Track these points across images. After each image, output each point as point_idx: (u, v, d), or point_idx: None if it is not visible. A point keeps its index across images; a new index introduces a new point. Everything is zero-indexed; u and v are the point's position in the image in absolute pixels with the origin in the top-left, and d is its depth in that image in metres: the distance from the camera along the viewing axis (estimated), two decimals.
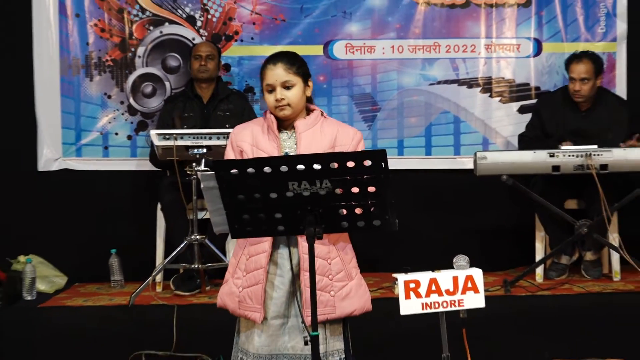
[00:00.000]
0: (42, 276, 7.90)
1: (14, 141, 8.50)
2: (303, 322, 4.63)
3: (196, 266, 7.43)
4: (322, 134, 4.80)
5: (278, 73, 4.76)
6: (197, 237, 7.32)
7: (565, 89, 7.99)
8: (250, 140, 4.80)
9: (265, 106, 4.86)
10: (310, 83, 4.88)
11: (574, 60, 7.85)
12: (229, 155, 4.84)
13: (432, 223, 8.25)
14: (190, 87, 8.18)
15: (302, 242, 4.62)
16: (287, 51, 5.00)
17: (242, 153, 4.78)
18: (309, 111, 4.88)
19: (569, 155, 7.27)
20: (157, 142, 7.24)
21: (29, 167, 8.53)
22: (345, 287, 4.82)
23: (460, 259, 4.58)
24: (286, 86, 4.76)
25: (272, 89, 4.77)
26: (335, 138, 4.80)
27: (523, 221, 8.13)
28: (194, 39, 8.50)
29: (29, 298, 7.62)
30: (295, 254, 4.72)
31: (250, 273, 4.75)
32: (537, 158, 7.34)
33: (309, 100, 4.91)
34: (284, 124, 4.84)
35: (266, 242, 4.71)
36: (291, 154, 4.72)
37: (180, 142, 7.19)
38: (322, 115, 4.90)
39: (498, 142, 8.53)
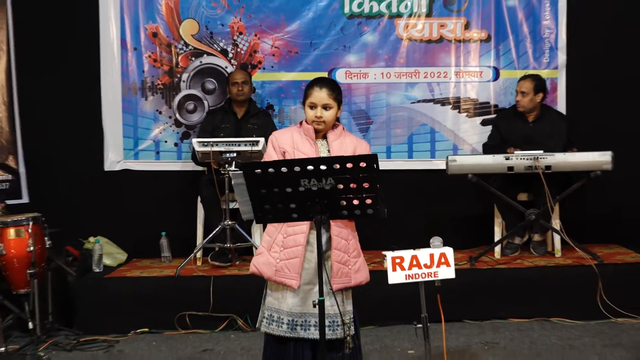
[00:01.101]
0: (107, 253, 7.91)
1: (86, 147, 8.50)
2: (331, 288, 4.66)
3: (228, 245, 7.44)
4: (346, 144, 4.92)
5: (322, 96, 4.86)
6: (229, 222, 7.34)
7: (516, 107, 8.00)
8: (291, 144, 4.87)
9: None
10: (341, 107, 4.98)
11: (521, 78, 7.94)
12: (272, 154, 4.89)
13: (413, 211, 8.23)
14: (229, 105, 8.17)
15: (334, 226, 4.78)
16: (331, 79, 5.16)
17: (284, 154, 4.85)
18: (333, 126, 4.96)
19: (521, 159, 7.29)
20: (198, 148, 7.27)
21: (97, 168, 8.53)
22: (357, 262, 4.93)
23: (436, 240, 4.60)
24: (325, 107, 4.86)
25: (314, 106, 4.87)
26: (355, 148, 4.92)
27: (485, 210, 8.10)
28: (226, 67, 8.49)
29: (97, 270, 7.64)
30: (324, 234, 4.77)
31: (289, 249, 4.81)
32: (495, 160, 7.36)
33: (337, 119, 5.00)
34: (316, 134, 4.92)
35: (304, 225, 4.79)
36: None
37: (215, 148, 7.20)
38: (343, 129, 5.02)
39: (465, 148, 8.50)
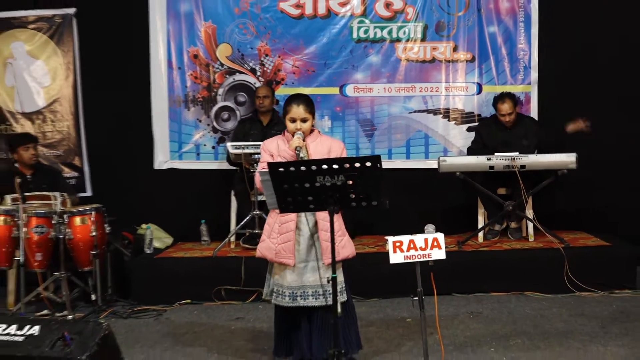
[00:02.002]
0: (156, 237, 7.93)
1: (139, 150, 8.54)
2: (323, 264, 4.87)
3: (257, 231, 7.44)
4: (321, 145, 5.02)
5: (300, 111, 4.97)
6: (257, 212, 7.34)
7: (495, 115, 7.97)
8: (276, 149, 5.02)
9: None
10: (315, 117, 5.09)
11: (499, 101, 7.83)
12: (264, 156, 5.03)
13: (410, 203, 8.19)
14: (255, 114, 8.16)
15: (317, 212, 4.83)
16: (305, 95, 5.22)
17: (272, 156, 4.98)
18: (311, 132, 5.06)
19: (500, 159, 7.28)
20: (231, 150, 7.28)
21: (148, 166, 8.56)
22: (342, 240, 5.00)
23: (429, 227, 4.59)
24: (303, 120, 4.97)
25: (294, 120, 4.97)
26: (330, 147, 5.01)
27: (470, 202, 8.07)
28: (255, 83, 8.48)
29: (148, 252, 7.67)
30: (311, 220, 4.92)
31: (284, 234, 4.94)
32: (479, 161, 7.38)
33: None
34: None
35: (293, 214, 4.89)
36: (305, 158, 4.87)
37: (246, 150, 7.21)
38: (318, 133, 5.12)
39: (454, 150, 8.47)
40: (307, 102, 5.03)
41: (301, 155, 4.85)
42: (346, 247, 5.01)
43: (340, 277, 4.99)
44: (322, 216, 4.87)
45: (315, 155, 4.90)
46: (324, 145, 5.00)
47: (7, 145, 7.94)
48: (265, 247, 5.02)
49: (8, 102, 8.51)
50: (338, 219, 4.94)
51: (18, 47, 8.50)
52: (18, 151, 7.44)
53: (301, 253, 4.93)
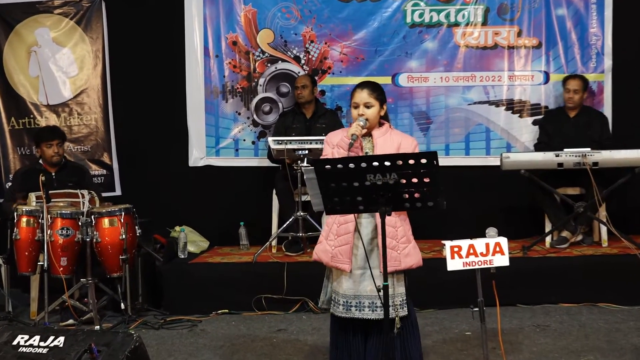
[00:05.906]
0: (191, 241, 7.95)
1: (172, 145, 8.60)
2: (381, 271, 4.60)
3: (300, 234, 7.45)
4: (391, 141, 4.86)
5: (363, 95, 4.87)
6: (301, 213, 7.35)
7: (559, 108, 8.04)
8: (340, 142, 4.84)
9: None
10: (384, 106, 4.95)
11: (569, 78, 7.94)
12: (327, 151, 4.91)
13: (470, 204, 8.14)
14: (298, 106, 8.18)
15: (378, 214, 4.64)
16: (373, 81, 5.14)
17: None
18: (381, 125, 4.92)
19: (570, 155, 7.21)
20: (273, 146, 7.29)
21: (183, 164, 8.61)
22: (407, 248, 4.85)
23: (491, 230, 4.57)
24: (367, 106, 4.85)
25: (357, 106, 4.87)
26: (400, 144, 4.85)
27: (535, 203, 7.97)
28: (299, 72, 8.48)
29: (182, 256, 7.68)
30: (371, 223, 4.78)
31: (342, 236, 4.81)
32: (546, 157, 7.34)
33: (385, 117, 4.98)
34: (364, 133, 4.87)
35: (352, 215, 4.74)
36: (370, 153, 4.79)
37: (289, 146, 7.21)
38: (390, 127, 4.98)
39: (518, 146, 8.40)
40: (373, 87, 4.95)
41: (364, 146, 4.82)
42: (410, 256, 4.85)
43: (402, 289, 4.87)
44: (387, 220, 4.77)
45: (381, 151, 4.78)
46: (393, 141, 4.87)
47: (32, 140, 8.04)
48: (322, 250, 4.91)
49: (32, 94, 8.60)
50: (404, 224, 4.87)
51: (43, 33, 8.58)
52: (41, 147, 7.49)
53: (359, 259, 4.79)
